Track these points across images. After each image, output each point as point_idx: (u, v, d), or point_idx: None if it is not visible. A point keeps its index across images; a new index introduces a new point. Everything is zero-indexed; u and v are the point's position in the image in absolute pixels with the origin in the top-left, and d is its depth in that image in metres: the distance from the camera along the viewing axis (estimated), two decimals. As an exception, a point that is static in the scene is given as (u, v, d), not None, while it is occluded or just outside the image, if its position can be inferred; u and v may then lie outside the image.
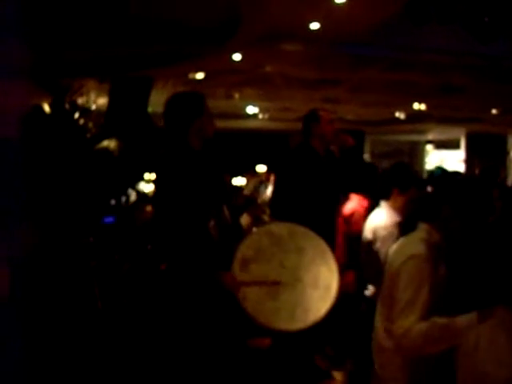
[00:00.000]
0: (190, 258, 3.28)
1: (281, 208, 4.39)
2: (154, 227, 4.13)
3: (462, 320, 2.42)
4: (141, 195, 7.96)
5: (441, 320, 2.48)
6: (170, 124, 3.50)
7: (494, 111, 13.68)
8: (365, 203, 5.26)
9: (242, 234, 3.88)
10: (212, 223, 3.44)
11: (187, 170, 3.37)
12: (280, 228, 3.61)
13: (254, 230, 3.64)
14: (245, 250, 3.43)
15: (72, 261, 4.94)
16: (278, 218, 4.19)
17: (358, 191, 5.25)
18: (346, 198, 5.38)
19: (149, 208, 6.60)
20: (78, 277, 4.90)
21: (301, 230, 3.64)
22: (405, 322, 2.55)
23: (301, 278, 3.45)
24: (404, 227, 3.00)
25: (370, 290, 4.26)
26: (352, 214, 5.24)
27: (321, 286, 3.47)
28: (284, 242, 3.53)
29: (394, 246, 2.92)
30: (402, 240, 2.91)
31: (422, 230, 2.76)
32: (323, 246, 3.60)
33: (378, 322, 2.87)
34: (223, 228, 3.59)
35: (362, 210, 5.20)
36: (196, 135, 3.45)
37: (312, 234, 3.63)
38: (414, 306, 2.56)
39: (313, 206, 4.22)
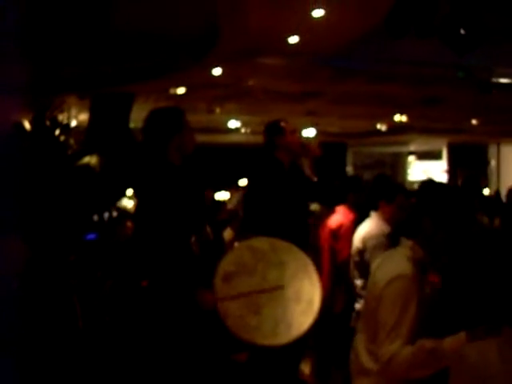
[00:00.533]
0: (172, 274, 3.26)
1: (250, 221, 4.34)
2: (134, 243, 4.10)
3: (450, 342, 2.35)
4: (121, 211, 7.92)
5: (428, 343, 2.39)
6: (149, 140, 3.48)
7: (474, 121, 13.79)
8: (351, 216, 5.24)
9: (223, 248, 3.86)
10: (193, 239, 3.43)
11: (167, 185, 3.36)
12: (262, 242, 3.60)
13: (236, 244, 3.62)
14: (227, 264, 3.41)
15: (52, 280, 4.88)
16: (249, 232, 4.16)
17: (339, 203, 5.24)
18: (330, 211, 5.36)
19: (130, 224, 6.55)
20: (58, 296, 4.85)
21: (283, 244, 3.63)
22: (391, 347, 2.45)
23: (283, 293, 3.43)
24: (392, 238, 2.93)
25: (360, 304, 4.25)
26: (339, 227, 5.21)
27: (303, 301, 3.45)
28: (266, 257, 3.51)
29: (378, 262, 2.83)
30: (385, 256, 2.82)
31: (405, 247, 2.66)
32: (306, 260, 3.59)
33: (360, 344, 2.73)
34: (204, 243, 3.58)
35: (348, 223, 5.18)
36: (175, 151, 3.44)
37: (294, 249, 3.62)
38: (399, 329, 2.46)
39: (281, 219, 4.16)
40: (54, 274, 4.94)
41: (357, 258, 4.53)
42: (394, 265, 2.62)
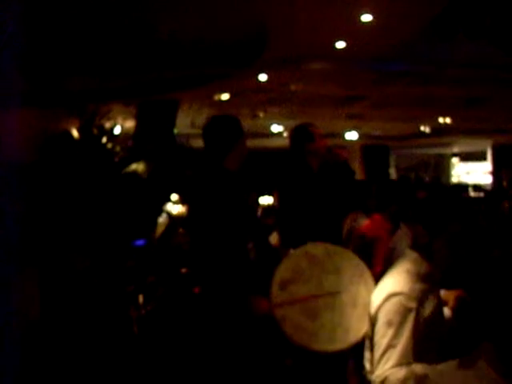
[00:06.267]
0: (228, 280, 3.28)
1: (286, 227, 4.32)
2: (190, 250, 4.14)
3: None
4: (173, 217, 7.99)
5: (419, 369, 2.26)
6: (211, 147, 3.52)
7: (520, 122, 13.57)
8: (387, 225, 5.06)
9: (276, 254, 3.87)
10: (251, 245, 3.46)
11: (225, 192, 3.39)
12: (317, 248, 3.59)
13: (292, 251, 3.63)
14: (283, 271, 3.42)
15: (109, 286, 4.97)
16: (286, 237, 4.17)
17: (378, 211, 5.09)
18: (363, 218, 5.22)
19: (181, 230, 6.61)
20: (116, 302, 4.93)
21: (337, 249, 3.62)
22: (383, 370, 2.35)
23: (340, 298, 3.43)
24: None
25: None
26: (374, 239, 5.04)
27: (359, 306, 3.44)
28: (322, 263, 3.50)
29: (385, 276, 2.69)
30: (389, 270, 2.68)
31: (408, 261, 2.54)
32: (361, 264, 3.57)
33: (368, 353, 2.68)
34: (261, 250, 3.60)
35: (384, 234, 5.00)
36: (235, 157, 3.48)
37: (349, 253, 3.61)
38: (393, 350, 2.35)
39: (312, 224, 4.12)
40: (112, 281, 5.02)
41: None
42: (391, 281, 2.52)
